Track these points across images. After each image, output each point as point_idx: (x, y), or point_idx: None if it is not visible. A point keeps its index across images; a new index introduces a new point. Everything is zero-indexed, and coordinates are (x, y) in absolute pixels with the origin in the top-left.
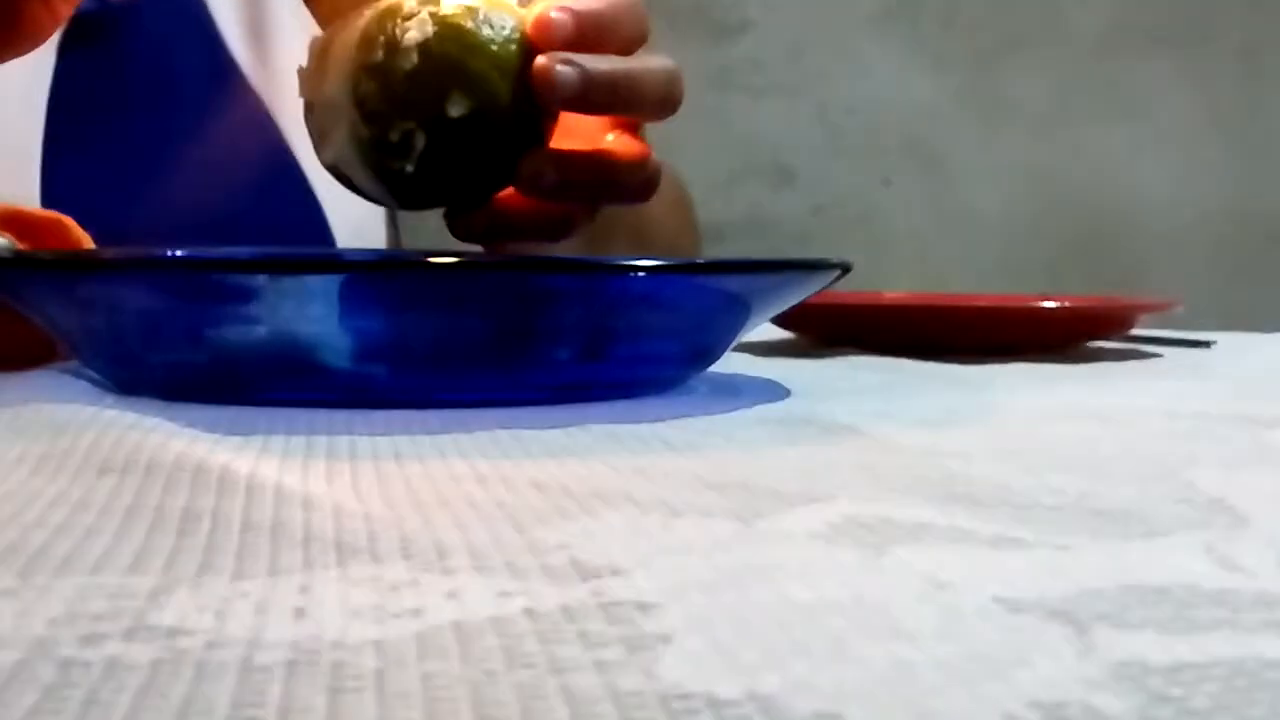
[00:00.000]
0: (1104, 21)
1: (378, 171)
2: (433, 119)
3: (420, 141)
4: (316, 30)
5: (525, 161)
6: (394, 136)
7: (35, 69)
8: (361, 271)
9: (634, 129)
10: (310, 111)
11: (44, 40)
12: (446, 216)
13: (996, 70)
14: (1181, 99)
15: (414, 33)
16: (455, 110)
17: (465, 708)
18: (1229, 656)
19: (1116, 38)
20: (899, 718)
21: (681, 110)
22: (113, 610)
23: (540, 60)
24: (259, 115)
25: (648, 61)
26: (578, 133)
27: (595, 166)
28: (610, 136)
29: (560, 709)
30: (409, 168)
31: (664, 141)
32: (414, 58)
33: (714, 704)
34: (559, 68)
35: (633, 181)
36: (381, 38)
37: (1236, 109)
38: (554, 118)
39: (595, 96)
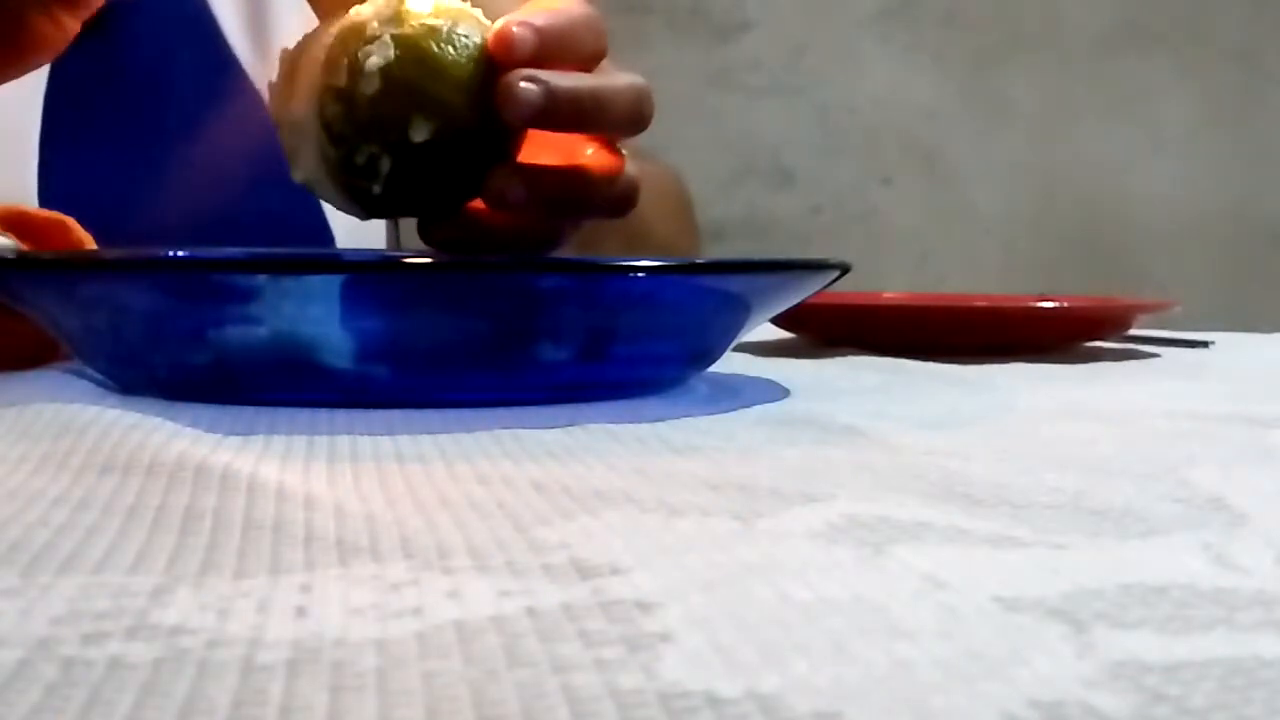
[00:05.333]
0: (1104, 21)
1: (346, 190)
2: (397, 143)
3: (386, 165)
4: (317, 25)
5: (492, 177)
6: (360, 159)
7: None
8: (362, 272)
9: (611, 143)
10: (281, 128)
11: (53, 56)
12: (419, 225)
13: (996, 70)
14: (1181, 99)
15: (375, 58)
16: (418, 135)
17: (466, 706)
18: (1226, 655)
19: (1116, 38)
20: (898, 717)
21: (681, 110)
22: (115, 609)
23: (503, 79)
24: (258, 112)
25: (615, 79)
26: (553, 146)
27: (566, 181)
28: (590, 150)
29: (561, 708)
30: (376, 188)
31: (664, 141)
32: (376, 83)
33: (714, 703)
34: (523, 85)
35: (607, 197)
36: (345, 60)
37: (1236, 109)
38: (522, 131)
39: (560, 114)
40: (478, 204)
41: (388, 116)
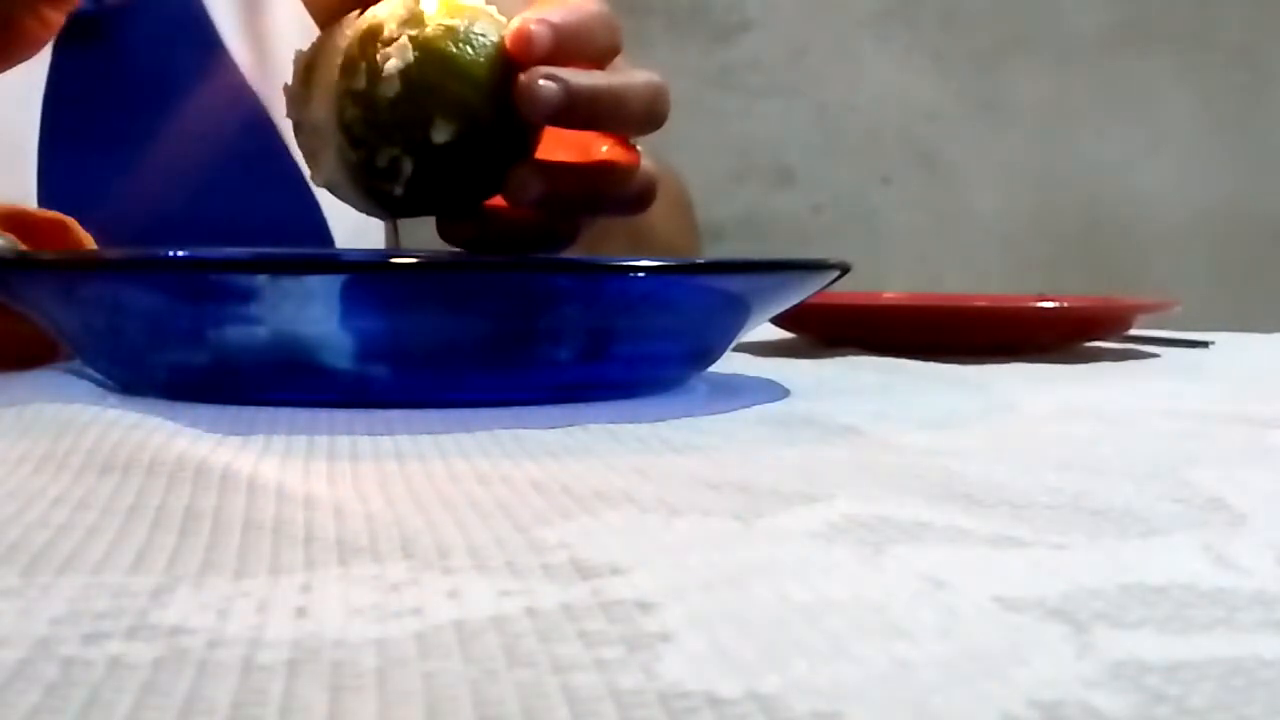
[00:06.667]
0: (1104, 21)
1: (368, 192)
2: (418, 145)
3: (407, 167)
4: (315, 30)
5: (513, 173)
6: (381, 162)
7: (31, 68)
8: (362, 272)
9: (625, 140)
10: (299, 131)
11: (38, 50)
12: (438, 223)
13: (996, 70)
14: (1181, 99)
15: (395, 60)
16: (439, 136)
17: (466, 706)
18: (1226, 655)
19: (1116, 38)
20: (898, 717)
21: (681, 110)
22: (115, 609)
23: (522, 77)
24: (256, 114)
25: (632, 76)
26: (569, 143)
27: (585, 178)
28: (604, 148)
29: (561, 708)
30: (398, 190)
31: (664, 141)
32: (396, 85)
33: (714, 703)
34: (541, 82)
35: (625, 193)
36: (364, 64)
37: (1236, 109)
38: (540, 128)
39: (579, 111)
40: (496, 201)
41: (408, 118)
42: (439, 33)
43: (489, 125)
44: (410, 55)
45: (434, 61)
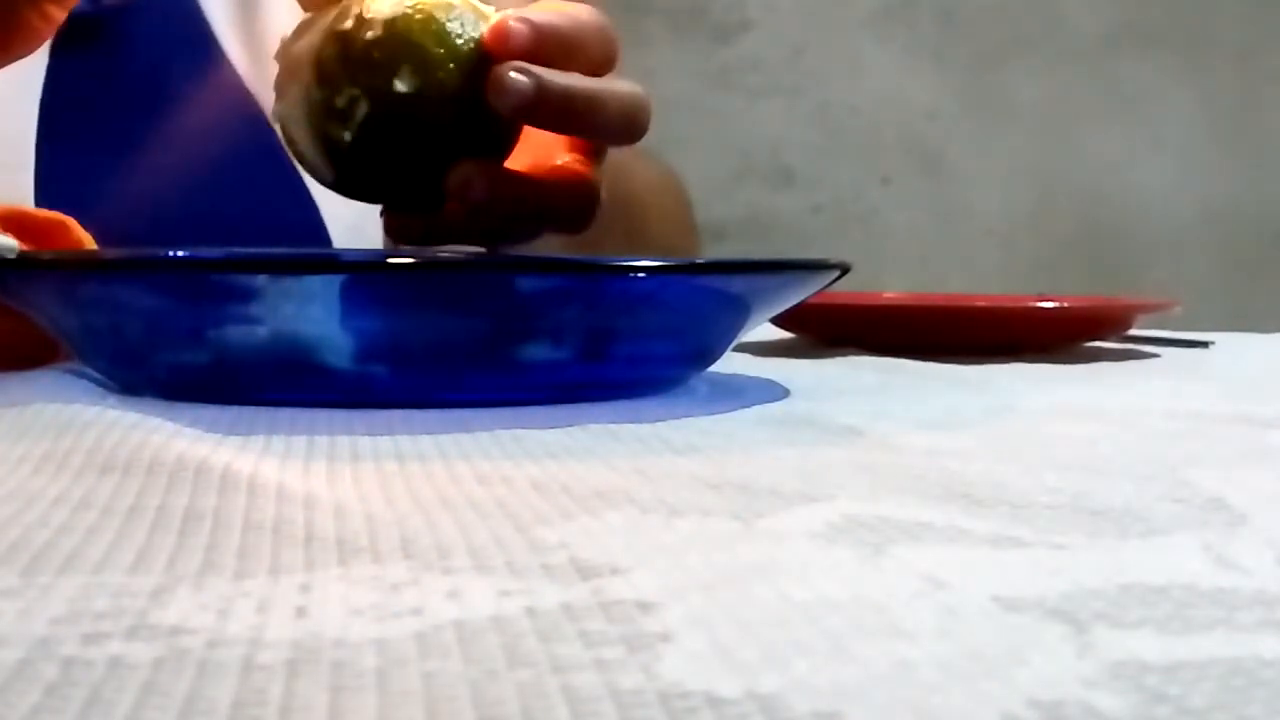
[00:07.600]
0: (1104, 22)
1: (320, 135)
2: (379, 89)
3: (362, 110)
4: None
5: (457, 168)
6: (340, 102)
7: (28, 69)
8: (362, 272)
9: (593, 155)
10: (279, 69)
11: (39, 45)
12: (384, 216)
13: (996, 70)
14: (1181, 99)
15: (384, 6)
16: (402, 85)
17: (466, 707)
18: (1226, 655)
19: (1116, 38)
20: (898, 717)
21: (681, 110)
22: (115, 609)
23: (496, 68)
24: (253, 115)
25: (614, 84)
26: (530, 151)
27: (528, 186)
28: (561, 160)
29: (561, 708)
30: (347, 135)
31: (664, 141)
32: (378, 30)
33: (714, 703)
34: (512, 74)
35: (567, 209)
36: (355, 8)
37: (1236, 109)
38: (513, 134)
39: (549, 109)
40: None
41: (378, 61)
42: (435, 3)
43: (451, 100)
44: (402, 9)
45: (420, 20)
